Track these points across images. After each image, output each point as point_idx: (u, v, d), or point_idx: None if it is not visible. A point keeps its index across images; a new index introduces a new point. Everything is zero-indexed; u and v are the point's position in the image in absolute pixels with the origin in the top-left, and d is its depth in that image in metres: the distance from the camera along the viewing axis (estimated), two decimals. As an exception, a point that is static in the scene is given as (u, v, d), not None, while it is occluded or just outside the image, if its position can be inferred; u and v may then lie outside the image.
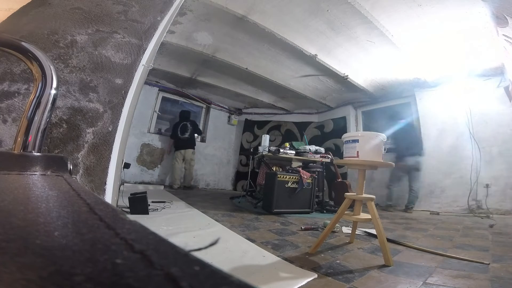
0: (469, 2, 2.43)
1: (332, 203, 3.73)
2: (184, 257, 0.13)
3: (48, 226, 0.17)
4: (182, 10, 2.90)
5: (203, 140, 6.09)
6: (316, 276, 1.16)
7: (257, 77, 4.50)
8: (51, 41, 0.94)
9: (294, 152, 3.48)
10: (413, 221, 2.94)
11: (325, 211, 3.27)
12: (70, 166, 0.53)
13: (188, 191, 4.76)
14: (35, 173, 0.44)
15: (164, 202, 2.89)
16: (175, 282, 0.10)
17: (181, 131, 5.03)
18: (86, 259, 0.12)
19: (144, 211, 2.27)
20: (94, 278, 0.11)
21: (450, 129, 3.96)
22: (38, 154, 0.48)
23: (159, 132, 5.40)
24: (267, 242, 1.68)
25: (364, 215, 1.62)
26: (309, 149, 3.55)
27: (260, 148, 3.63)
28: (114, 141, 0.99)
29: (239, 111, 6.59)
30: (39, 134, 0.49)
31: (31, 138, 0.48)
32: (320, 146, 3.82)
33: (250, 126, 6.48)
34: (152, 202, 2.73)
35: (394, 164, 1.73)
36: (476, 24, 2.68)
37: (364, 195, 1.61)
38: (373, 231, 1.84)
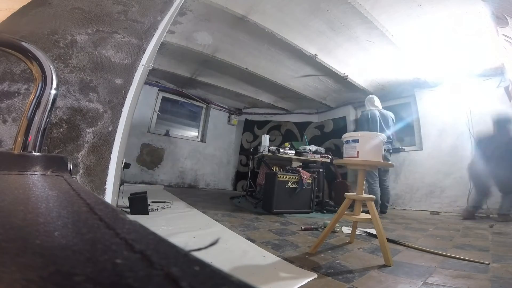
0: (469, 2, 2.43)
1: (332, 203, 3.73)
2: (184, 257, 0.13)
3: (48, 226, 0.17)
4: (182, 10, 2.90)
5: (203, 140, 6.09)
6: (316, 276, 1.16)
7: (257, 77, 4.50)
8: (51, 41, 0.94)
9: (294, 152, 3.48)
10: (413, 221, 2.94)
11: (325, 211, 3.27)
12: (70, 166, 0.53)
13: (188, 191, 4.76)
14: (35, 173, 0.44)
15: (164, 202, 2.89)
16: (175, 282, 0.10)
17: None
18: (86, 259, 0.12)
19: (144, 211, 2.27)
20: (94, 278, 0.11)
21: (450, 129, 3.96)
22: (38, 154, 0.48)
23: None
24: (267, 242, 1.68)
25: (364, 215, 1.62)
26: (309, 149, 3.55)
27: (260, 148, 3.63)
28: (114, 141, 0.99)
29: (239, 111, 6.59)
30: (39, 134, 0.49)
31: (31, 138, 0.48)
32: (320, 146, 3.82)
33: (250, 126, 6.48)
34: (152, 202, 2.72)
35: (392, 164, 1.73)
36: (476, 24, 2.68)
37: (364, 195, 1.61)
38: (373, 231, 1.84)
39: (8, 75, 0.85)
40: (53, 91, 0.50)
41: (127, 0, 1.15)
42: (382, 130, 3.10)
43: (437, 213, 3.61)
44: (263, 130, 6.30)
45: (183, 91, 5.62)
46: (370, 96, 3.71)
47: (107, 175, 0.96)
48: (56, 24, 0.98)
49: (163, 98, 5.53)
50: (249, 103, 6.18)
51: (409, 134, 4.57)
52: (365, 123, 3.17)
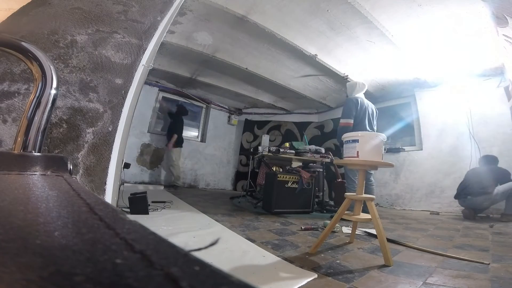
0: (469, 2, 2.43)
1: (332, 203, 3.73)
2: (184, 257, 0.13)
3: (48, 226, 0.17)
4: (182, 10, 2.90)
5: (203, 140, 6.09)
6: (316, 276, 1.16)
7: (257, 77, 4.50)
8: (51, 41, 0.94)
9: (294, 152, 3.48)
10: (413, 221, 2.94)
11: (325, 211, 3.27)
12: (70, 166, 0.53)
13: (188, 191, 4.76)
14: (35, 173, 0.44)
15: (164, 202, 2.89)
16: (175, 282, 0.10)
17: (182, 128, 4.98)
18: (86, 259, 0.12)
19: (144, 211, 2.27)
20: (94, 278, 0.11)
21: (450, 129, 3.96)
22: (38, 154, 0.48)
23: (160, 132, 5.40)
24: (267, 242, 1.68)
25: (364, 215, 1.62)
26: (309, 149, 3.55)
27: (260, 148, 3.63)
28: (114, 141, 0.99)
29: (239, 111, 6.59)
30: (39, 134, 0.49)
31: (31, 138, 0.48)
32: (320, 146, 3.82)
33: (250, 126, 6.48)
34: (152, 202, 2.73)
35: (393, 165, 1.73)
36: (476, 24, 2.68)
37: (364, 195, 1.61)
38: (373, 231, 1.84)
39: (8, 75, 0.85)
40: (53, 91, 0.50)
41: (127, 0, 1.15)
42: (370, 124, 2.85)
43: (437, 213, 3.61)
44: (263, 130, 6.31)
45: (183, 91, 5.62)
46: (361, 82, 3.11)
47: (107, 175, 0.96)
48: (56, 24, 0.98)
49: (163, 98, 5.53)
50: (249, 103, 6.19)
51: (409, 134, 4.57)
52: (353, 109, 2.75)
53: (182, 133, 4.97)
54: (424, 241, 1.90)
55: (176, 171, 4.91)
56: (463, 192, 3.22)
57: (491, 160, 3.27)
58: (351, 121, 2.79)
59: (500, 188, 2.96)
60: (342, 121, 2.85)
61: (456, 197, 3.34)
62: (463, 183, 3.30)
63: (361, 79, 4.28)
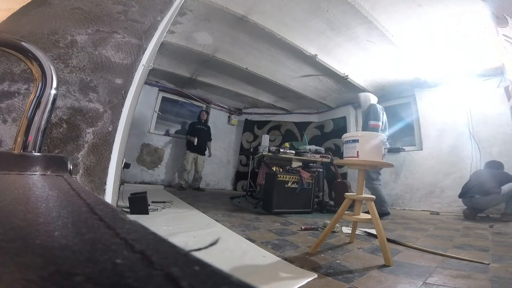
0: (469, 2, 2.43)
1: (332, 203, 3.73)
2: (184, 257, 0.13)
3: (48, 226, 0.17)
4: (182, 10, 2.90)
5: (203, 140, 6.12)
6: (316, 276, 1.16)
7: (257, 77, 4.50)
8: (51, 41, 0.94)
9: (294, 152, 3.48)
10: (413, 221, 2.94)
11: (325, 211, 3.27)
12: (70, 166, 0.53)
13: (187, 191, 4.76)
14: (35, 173, 0.44)
15: (164, 202, 2.89)
16: (175, 282, 0.10)
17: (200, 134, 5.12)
18: (86, 259, 0.12)
19: (144, 211, 2.27)
20: (94, 278, 0.11)
21: (450, 129, 3.96)
22: (38, 154, 0.48)
23: (160, 132, 5.43)
24: (267, 242, 1.68)
25: (364, 215, 1.62)
26: (309, 149, 3.55)
27: (260, 148, 3.64)
28: (114, 141, 0.99)
29: (239, 111, 6.59)
30: (39, 134, 0.49)
31: (31, 138, 0.48)
32: (320, 146, 3.82)
33: (250, 126, 6.48)
34: (152, 202, 2.73)
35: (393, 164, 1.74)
36: (476, 24, 2.68)
37: (364, 195, 1.61)
38: (373, 231, 1.84)
39: (8, 75, 0.85)
40: (53, 91, 0.50)
41: (127, 0, 1.15)
42: (386, 131, 3.07)
43: (437, 213, 3.61)
44: (263, 130, 6.30)
45: (183, 91, 5.62)
46: (369, 93, 3.41)
47: (107, 175, 0.96)
48: (56, 24, 0.98)
49: (163, 98, 5.53)
50: (249, 103, 6.18)
51: (409, 134, 4.57)
52: (380, 114, 2.99)
53: (199, 139, 5.09)
54: (424, 241, 1.90)
55: (184, 175, 5.01)
56: (471, 191, 3.22)
57: (497, 165, 3.28)
58: (380, 123, 2.91)
59: (505, 188, 2.98)
60: (372, 122, 2.93)
61: (460, 196, 3.33)
62: (470, 183, 3.29)
63: (361, 79, 4.30)
